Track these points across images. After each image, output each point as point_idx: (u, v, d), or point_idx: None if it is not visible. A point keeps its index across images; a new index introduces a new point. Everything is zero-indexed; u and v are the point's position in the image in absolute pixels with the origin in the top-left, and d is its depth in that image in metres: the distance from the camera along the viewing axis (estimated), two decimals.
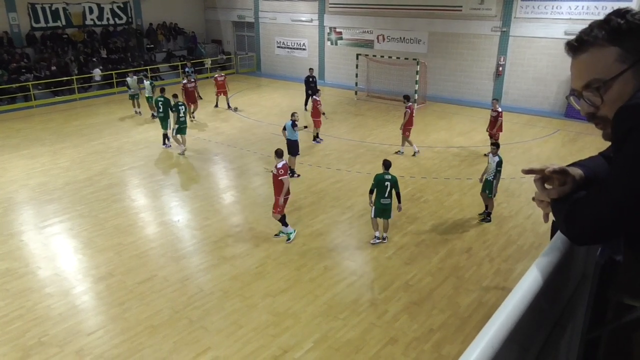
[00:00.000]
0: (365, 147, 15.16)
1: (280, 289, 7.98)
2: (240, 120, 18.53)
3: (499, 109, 13.75)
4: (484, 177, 10.24)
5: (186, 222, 10.51)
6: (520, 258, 8.94)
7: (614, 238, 1.28)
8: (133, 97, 18.72)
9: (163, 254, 9.12)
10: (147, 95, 18.37)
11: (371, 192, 9.12)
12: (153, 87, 18.22)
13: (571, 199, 1.25)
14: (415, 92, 20.43)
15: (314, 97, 15.61)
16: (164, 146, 15.30)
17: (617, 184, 1.10)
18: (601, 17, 1.23)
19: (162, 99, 15.03)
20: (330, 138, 15.92)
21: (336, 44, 24.79)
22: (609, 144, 1.33)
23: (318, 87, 17.57)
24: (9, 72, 20.95)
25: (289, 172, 9.39)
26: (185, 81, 18.03)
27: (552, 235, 1.36)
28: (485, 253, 9.14)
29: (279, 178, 9.08)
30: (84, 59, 23.42)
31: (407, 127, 14.07)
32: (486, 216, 10.32)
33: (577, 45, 1.23)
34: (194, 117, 17.90)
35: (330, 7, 24.39)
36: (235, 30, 29.46)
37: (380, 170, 9.22)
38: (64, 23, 24.21)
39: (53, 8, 23.71)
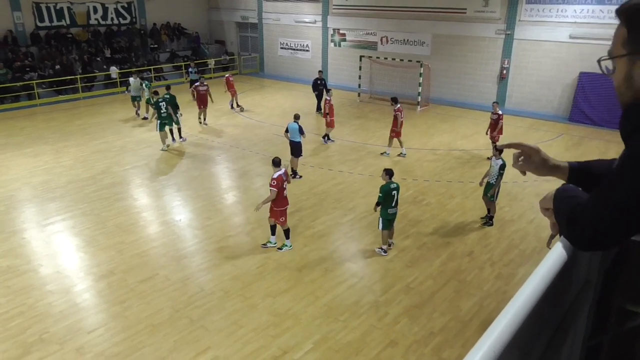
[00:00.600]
0: (367, 149, 15.15)
1: (281, 289, 7.98)
2: (243, 120, 18.54)
3: (500, 112, 13.79)
4: (485, 180, 10.23)
5: (188, 222, 10.51)
6: (522, 263, 8.91)
7: (617, 243, 1.27)
8: (134, 98, 18.68)
9: (164, 253, 9.12)
10: (139, 95, 18.46)
11: (378, 204, 8.83)
12: (149, 88, 18.05)
13: (573, 201, 1.25)
14: (419, 94, 20.43)
15: (326, 97, 15.74)
16: (181, 140, 15.69)
17: (618, 185, 1.08)
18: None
19: (167, 96, 15.24)
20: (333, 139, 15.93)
21: (339, 45, 24.81)
22: (613, 148, 1.33)
23: (329, 87, 17.53)
24: (13, 70, 21.03)
25: (285, 183, 8.90)
26: (197, 84, 17.83)
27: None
28: (486, 257, 9.12)
29: (270, 187, 8.79)
30: (88, 59, 23.48)
31: (394, 128, 14.16)
32: (488, 220, 10.30)
33: (616, 13, 1.25)
34: (206, 123, 17.65)
35: (334, 9, 24.41)
36: (238, 30, 29.51)
37: (381, 171, 9.13)
38: (68, 22, 24.29)
39: (57, 7, 23.80)
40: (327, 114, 15.44)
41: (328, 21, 24.81)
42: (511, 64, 19.62)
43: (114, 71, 22.86)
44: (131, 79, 18.88)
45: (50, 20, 23.71)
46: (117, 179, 12.72)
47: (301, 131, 12.45)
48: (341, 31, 24.52)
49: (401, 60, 21.47)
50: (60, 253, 9.20)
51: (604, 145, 15.63)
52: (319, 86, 19.07)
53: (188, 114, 17.89)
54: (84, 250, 9.24)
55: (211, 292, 7.88)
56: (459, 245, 9.50)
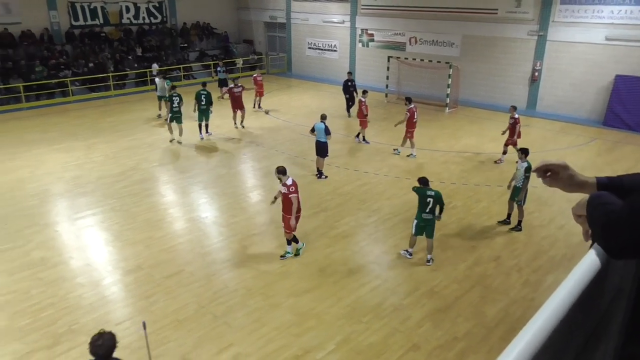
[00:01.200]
0: (393, 150, 15.04)
1: (304, 289, 8.00)
2: (269, 120, 18.66)
3: (516, 116, 13.56)
4: (512, 184, 10.03)
5: (213, 219, 10.65)
6: (551, 269, 8.70)
7: None
8: (160, 98, 18.85)
9: (191, 249, 9.26)
10: (165, 95, 18.63)
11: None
12: (169, 85, 18.06)
13: (608, 208, 1.22)
14: (447, 95, 20.19)
15: (360, 97, 15.72)
16: (207, 134, 16.20)
17: None
18: None
19: (204, 92, 15.81)
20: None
21: (367, 45, 24.72)
22: None
23: (365, 89, 17.14)
24: (49, 68, 21.69)
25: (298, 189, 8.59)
26: (232, 86, 17.37)
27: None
28: (513, 262, 8.94)
29: (289, 196, 8.37)
30: (120, 57, 24.04)
31: (409, 129, 14.10)
32: (517, 225, 10.09)
33: None
34: (242, 125, 17.36)
35: (362, 9, 24.34)
36: (266, 30, 29.73)
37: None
38: (101, 21, 24.98)
39: (92, 7, 24.49)
40: (366, 115, 15.38)
41: (356, 21, 24.75)
42: (543, 66, 19.19)
43: (155, 68, 23.26)
44: (157, 80, 19.10)
45: (85, 19, 24.42)
46: (146, 176, 12.98)
47: (327, 131, 12.47)
48: (369, 31, 24.43)
49: (430, 61, 21.26)
50: (90, 246, 9.44)
51: (639, 150, 15.16)
52: (349, 88, 18.99)
53: (215, 112, 18.07)
54: (113, 244, 9.46)
55: (235, 289, 7.96)
56: (485, 250, 9.34)
